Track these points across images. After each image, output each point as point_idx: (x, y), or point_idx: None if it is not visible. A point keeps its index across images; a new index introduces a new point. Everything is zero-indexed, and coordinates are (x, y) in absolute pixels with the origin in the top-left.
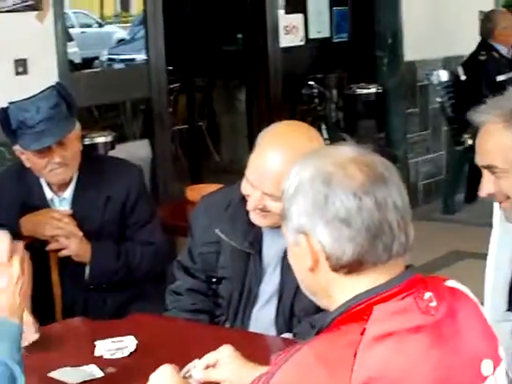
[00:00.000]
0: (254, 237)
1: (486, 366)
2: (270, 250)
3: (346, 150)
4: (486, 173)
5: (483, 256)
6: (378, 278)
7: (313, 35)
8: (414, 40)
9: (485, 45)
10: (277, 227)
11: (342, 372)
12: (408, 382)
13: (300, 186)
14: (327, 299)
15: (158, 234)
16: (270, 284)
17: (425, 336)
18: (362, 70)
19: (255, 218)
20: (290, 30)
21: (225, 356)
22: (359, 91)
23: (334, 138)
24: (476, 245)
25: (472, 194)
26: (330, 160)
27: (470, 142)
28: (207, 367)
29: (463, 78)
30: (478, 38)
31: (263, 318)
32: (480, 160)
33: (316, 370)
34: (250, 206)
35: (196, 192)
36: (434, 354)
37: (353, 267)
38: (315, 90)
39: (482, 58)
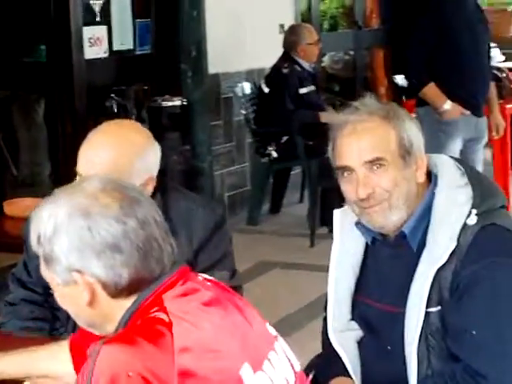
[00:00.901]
0: None
1: (270, 328)
2: None
3: (92, 182)
4: (363, 172)
5: (291, 265)
6: None
7: (116, 47)
8: (218, 53)
9: (287, 58)
10: None
11: (164, 341)
12: (219, 343)
13: (59, 226)
14: (109, 325)
15: None
16: None
17: (217, 307)
18: (167, 83)
19: None
20: (94, 42)
21: None
22: (164, 104)
23: None
24: (283, 255)
25: (276, 205)
26: (82, 194)
27: (274, 154)
28: None
29: (266, 90)
30: (279, 51)
31: None
32: (360, 157)
33: (140, 343)
34: None
35: (14, 207)
36: (229, 320)
37: (133, 288)
38: (118, 103)
39: (285, 70)
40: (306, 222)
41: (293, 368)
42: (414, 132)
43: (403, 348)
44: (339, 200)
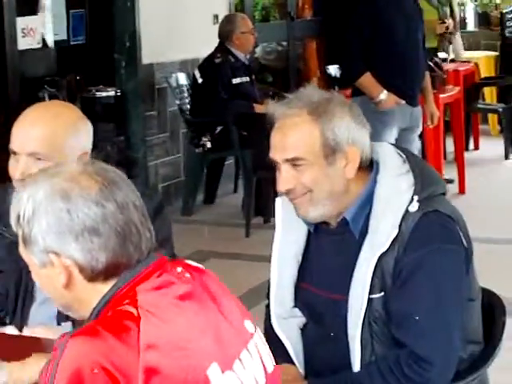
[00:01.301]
0: None
1: (248, 324)
2: None
3: (73, 165)
4: (285, 167)
5: (227, 255)
6: None
7: (50, 38)
8: (152, 43)
9: (222, 48)
10: None
11: (130, 337)
12: (188, 340)
13: (38, 208)
14: (85, 308)
15: None
16: None
17: (192, 302)
18: (101, 73)
19: None
20: (27, 33)
21: None
22: (98, 94)
23: None
24: (218, 245)
25: (211, 196)
26: (62, 177)
27: (208, 144)
28: None
29: (200, 80)
30: (213, 41)
31: (43, 315)
32: (282, 154)
33: (106, 338)
34: (17, 175)
35: None
36: (203, 316)
37: (109, 272)
38: (51, 93)
39: (217, 60)
40: (241, 212)
41: (265, 369)
42: (343, 128)
43: (346, 334)
44: (274, 190)
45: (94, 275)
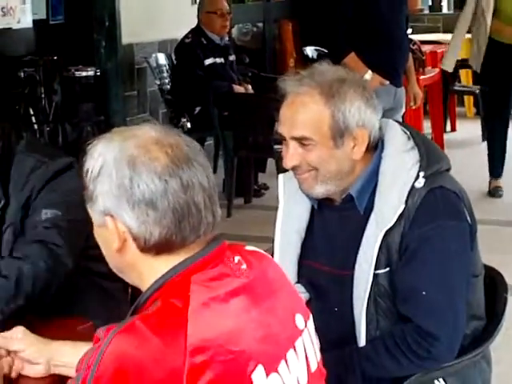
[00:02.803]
0: None
1: (299, 320)
2: None
3: (150, 131)
4: (293, 144)
5: None
6: (187, 255)
7: (30, 17)
8: (131, 23)
9: (196, 28)
10: None
11: (176, 339)
12: (235, 342)
13: (104, 168)
14: (136, 276)
15: None
16: None
17: (244, 298)
18: (81, 53)
19: None
20: (6, 12)
21: (18, 331)
22: (77, 74)
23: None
24: None
25: None
26: (134, 142)
27: (188, 125)
28: None
29: (175, 61)
30: (191, 22)
31: None
32: (290, 131)
33: (151, 340)
34: None
35: None
36: (254, 313)
37: (161, 248)
38: (30, 73)
39: (188, 40)
40: (221, 192)
41: (308, 368)
42: (354, 110)
43: (351, 310)
44: (254, 171)
45: (146, 247)
